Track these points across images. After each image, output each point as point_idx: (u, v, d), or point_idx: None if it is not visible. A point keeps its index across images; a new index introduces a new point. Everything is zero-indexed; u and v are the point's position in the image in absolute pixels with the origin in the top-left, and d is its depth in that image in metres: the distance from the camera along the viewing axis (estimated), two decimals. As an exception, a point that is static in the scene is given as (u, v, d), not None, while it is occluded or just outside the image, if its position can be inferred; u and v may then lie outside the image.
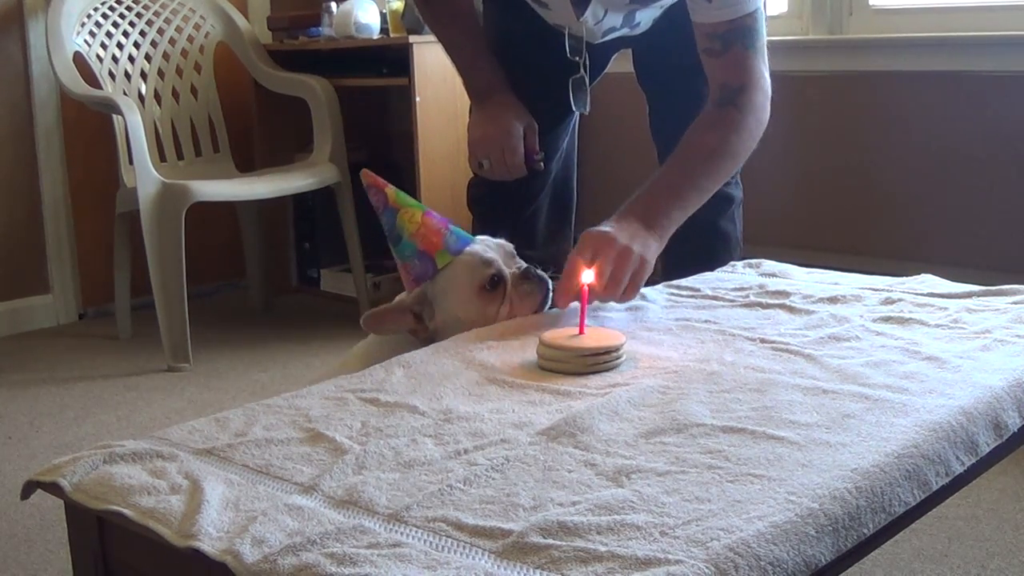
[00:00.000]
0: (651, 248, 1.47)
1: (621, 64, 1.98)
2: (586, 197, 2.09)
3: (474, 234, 1.46)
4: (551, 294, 1.43)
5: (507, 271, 1.41)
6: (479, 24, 1.91)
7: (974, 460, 1.04)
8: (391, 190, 1.42)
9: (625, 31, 1.80)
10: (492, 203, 1.96)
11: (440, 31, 1.93)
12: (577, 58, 1.79)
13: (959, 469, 1.01)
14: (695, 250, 1.81)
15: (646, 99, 1.98)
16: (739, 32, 1.57)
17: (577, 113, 1.99)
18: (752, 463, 0.94)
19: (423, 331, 1.40)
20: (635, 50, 1.95)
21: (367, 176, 1.43)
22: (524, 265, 1.44)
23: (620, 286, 1.40)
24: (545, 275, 1.44)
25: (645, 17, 1.77)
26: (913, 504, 0.95)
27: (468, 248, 1.40)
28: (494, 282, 1.39)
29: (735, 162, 1.64)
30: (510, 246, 1.45)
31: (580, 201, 2.09)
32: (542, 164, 1.88)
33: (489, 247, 1.42)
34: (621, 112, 2.63)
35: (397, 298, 1.42)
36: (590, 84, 1.88)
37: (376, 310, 1.40)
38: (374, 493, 0.91)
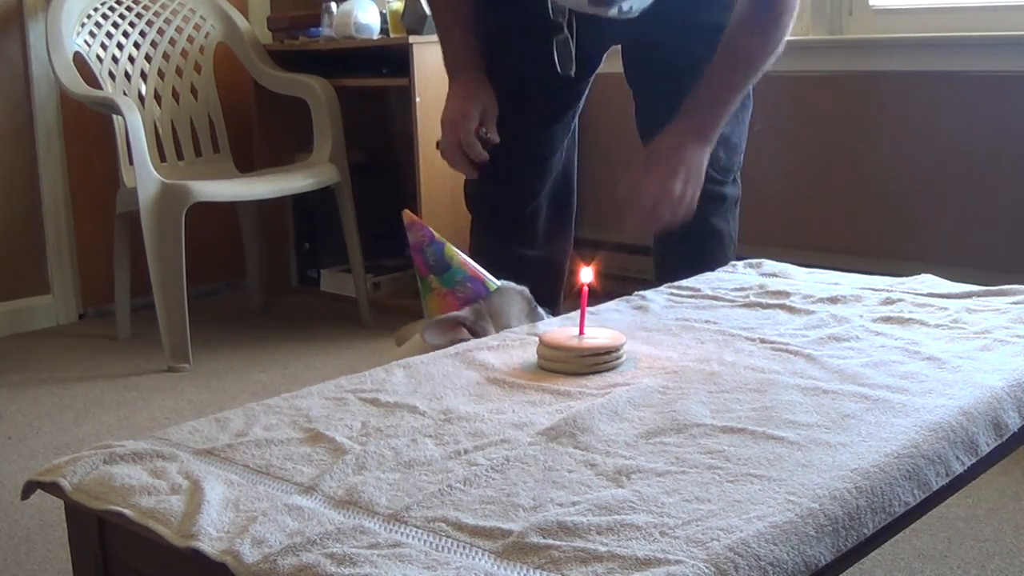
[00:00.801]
0: (703, 158, 1.65)
1: (619, 64, 1.98)
2: (585, 195, 2.09)
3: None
4: None
5: None
6: (469, 2, 1.89)
7: (974, 460, 1.04)
8: (431, 229, 1.54)
9: (615, 12, 1.79)
10: (491, 202, 1.96)
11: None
12: (560, 19, 1.79)
13: (959, 469, 1.01)
14: (690, 249, 1.81)
15: (632, 96, 1.97)
16: None
17: (577, 113, 1.99)
18: (752, 463, 0.94)
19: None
20: (624, 47, 1.94)
21: (409, 216, 1.53)
22: None
23: (675, 201, 1.59)
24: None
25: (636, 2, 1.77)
26: (913, 504, 0.95)
27: (506, 282, 1.54)
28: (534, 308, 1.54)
29: (769, 62, 1.74)
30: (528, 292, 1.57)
31: (579, 200, 2.09)
32: (490, 140, 1.83)
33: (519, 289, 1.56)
34: (619, 111, 2.63)
35: (449, 314, 1.48)
36: (587, 80, 1.88)
37: (435, 320, 1.47)
38: (374, 493, 0.91)
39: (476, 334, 1.45)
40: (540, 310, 1.54)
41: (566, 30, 1.80)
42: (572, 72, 1.85)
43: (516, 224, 1.95)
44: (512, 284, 1.53)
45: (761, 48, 1.70)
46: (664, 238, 1.89)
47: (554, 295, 1.95)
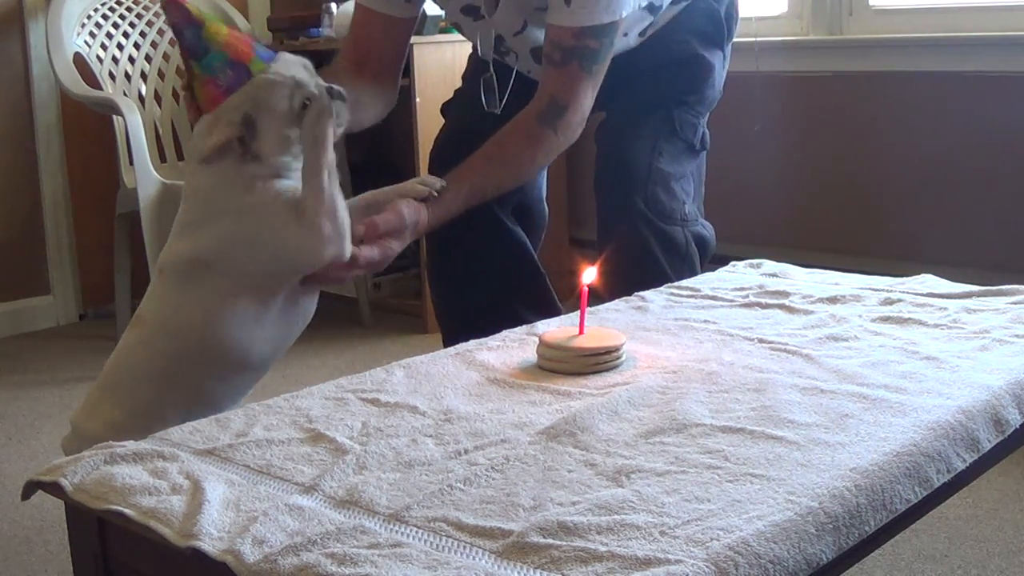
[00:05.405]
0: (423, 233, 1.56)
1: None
2: (585, 195, 2.08)
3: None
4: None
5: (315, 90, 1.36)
6: None
7: (976, 456, 1.04)
8: (192, 5, 1.38)
9: (511, 61, 1.81)
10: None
11: None
12: (487, 58, 1.79)
13: (960, 466, 1.02)
14: (627, 277, 1.74)
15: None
16: (582, 51, 1.61)
17: None
18: (751, 463, 0.94)
19: (246, 154, 1.32)
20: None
21: None
22: (324, 85, 1.38)
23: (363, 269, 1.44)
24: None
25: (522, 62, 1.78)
26: (915, 501, 0.96)
27: (275, 66, 1.36)
28: (306, 105, 1.35)
29: (534, 173, 1.75)
30: (310, 64, 1.40)
31: (572, 207, 2.07)
32: None
33: (292, 64, 1.38)
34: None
35: (223, 134, 1.31)
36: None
37: (210, 152, 1.32)
38: (374, 493, 0.91)
39: (246, 145, 1.31)
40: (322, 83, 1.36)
41: (491, 69, 1.79)
42: (498, 110, 1.79)
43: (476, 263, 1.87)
44: (289, 56, 1.37)
45: (529, 161, 1.66)
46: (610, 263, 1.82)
47: (546, 297, 1.91)
